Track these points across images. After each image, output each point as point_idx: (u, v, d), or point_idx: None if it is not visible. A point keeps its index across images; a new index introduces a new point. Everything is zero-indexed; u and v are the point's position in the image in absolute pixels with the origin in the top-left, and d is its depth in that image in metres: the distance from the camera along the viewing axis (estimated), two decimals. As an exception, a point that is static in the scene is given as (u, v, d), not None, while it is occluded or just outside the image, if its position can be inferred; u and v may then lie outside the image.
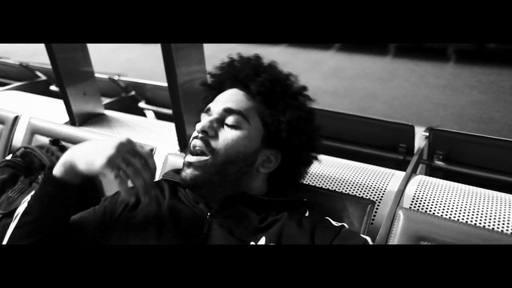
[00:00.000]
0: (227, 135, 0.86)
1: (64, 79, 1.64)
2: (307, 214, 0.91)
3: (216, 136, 0.86)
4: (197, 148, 0.86)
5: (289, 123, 0.88)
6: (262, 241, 0.79)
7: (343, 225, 0.85)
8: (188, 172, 0.86)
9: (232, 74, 0.94)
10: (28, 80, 2.63)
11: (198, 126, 0.86)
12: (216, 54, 0.98)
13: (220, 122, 0.88)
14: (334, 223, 0.85)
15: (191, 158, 0.86)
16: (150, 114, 2.49)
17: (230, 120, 0.87)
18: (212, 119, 0.87)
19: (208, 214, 0.85)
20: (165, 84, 1.40)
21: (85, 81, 1.74)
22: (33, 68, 2.68)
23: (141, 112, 2.51)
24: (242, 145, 0.86)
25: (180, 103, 1.40)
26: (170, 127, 1.68)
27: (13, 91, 2.29)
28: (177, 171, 0.99)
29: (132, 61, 5.79)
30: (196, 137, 0.87)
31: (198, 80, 1.44)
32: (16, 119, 1.59)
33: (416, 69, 5.27)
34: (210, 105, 0.91)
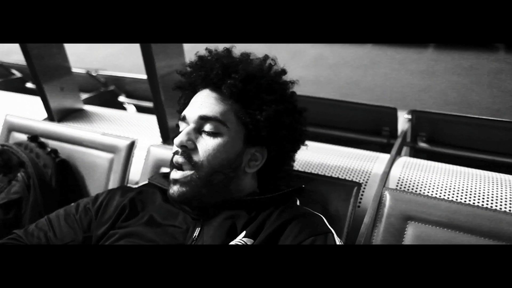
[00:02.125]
0: (207, 145, 0.83)
1: (40, 75, 1.60)
2: (298, 203, 0.90)
3: (196, 148, 0.83)
4: (179, 164, 0.83)
5: (268, 120, 0.84)
6: (241, 235, 0.79)
7: (329, 231, 0.79)
8: (175, 189, 0.83)
9: (203, 74, 0.88)
10: (2, 78, 2.56)
11: (177, 141, 0.83)
12: (197, 46, 0.95)
13: (197, 130, 0.84)
14: (326, 223, 0.81)
15: (175, 175, 0.84)
16: (130, 108, 2.45)
17: (207, 127, 0.83)
18: (189, 130, 0.84)
19: (201, 220, 0.84)
20: (145, 77, 1.38)
21: (62, 76, 1.70)
22: (7, 65, 2.60)
23: (121, 107, 2.46)
24: (224, 151, 0.83)
25: (161, 95, 1.38)
26: (151, 119, 1.66)
27: (-13, 90, 2.23)
28: (165, 176, 0.96)
29: (111, 57, 5.70)
30: (177, 153, 0.84)
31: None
32: (-9, 117, 1.54)
33: (396, 55, 5.31)
34: (185, 112, 0.87)
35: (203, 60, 0.91)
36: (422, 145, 1.60)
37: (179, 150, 0.84)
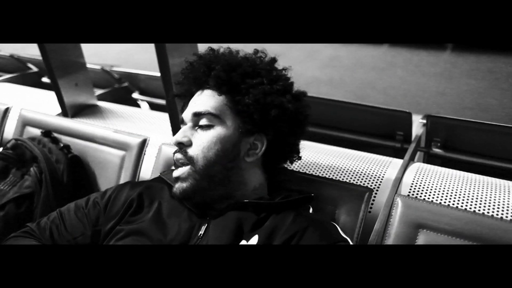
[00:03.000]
0: (201, 139, 0.86)
1: (56, 70, 1.61)
2: (310, 211, 0.89)
3: (191, 144, 0.86)
4: (178, 160, 0.87)
5: (257, 102, 0.85)
6: (254, 238, 0.78)
7: (345, 239, 0.79)
8: (177, 186, 0.87)
9: (193, 77, 0.93)
10: (19, 72, 2.59)
11: (173, 139, 0.87)
12: (211, 45, 0.96)
13: (193, 127, 0.88)
14: (341, 232, 0.81)
15: (175, 173, 0.87)
16: (144, 105, 2.46)
17: (201, 122, 0.87)
18: (185, 128, 0.88)
19: (209, 218, 0.85)
20: (159, 74, 1.38)
21: (77, 72, 1.71)
22: (24, 59, 2.64)
23: (135, 103, 2.47)
24: (218, 142, 0.85)
25: (173, 92, 1.37)
26: (164, 117, 1.66)
27: (4, 83, 2.26)
28: None
29: (125, 53, 5.74)
30: (175, 151, 0.88)
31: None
32: (6, 111, 1.56)
33: (412, 58, 5.25)
34: (183, 114, 0.91)
35: (193, 64, 0.94)
36: (437, 150, 1.57)
37: (177, 148, 0.88)
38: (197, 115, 0.87)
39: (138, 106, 2.47)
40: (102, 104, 1.83)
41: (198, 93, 0.92)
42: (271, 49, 0.98)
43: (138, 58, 5.34)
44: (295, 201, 0.86)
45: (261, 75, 0.88)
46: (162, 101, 2.34)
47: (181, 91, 0.97)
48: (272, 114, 0.86)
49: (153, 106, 2.41)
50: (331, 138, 1.78)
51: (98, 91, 2.20)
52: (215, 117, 0.86)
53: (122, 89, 2.44)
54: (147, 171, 1.26)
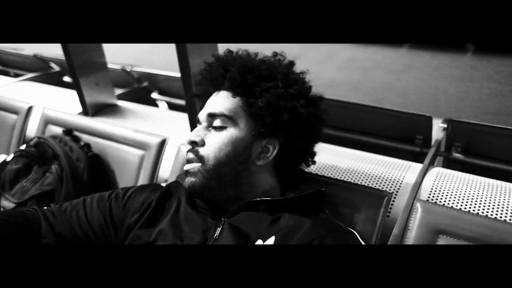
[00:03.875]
0: (213, 139, 0.87)
1: (77, 69, 1.64)
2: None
3: (204, 144, 0.87)
4: (190, 160, 0.88)
5: (269, 105, 0.86)
6: (271, 240, 0.78)
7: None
8: (186, 180, 0.88)
9: (210, 78, 0.94)
10: (42, 71, 2.64)
11: (186, 138, 0.89)
12: (231, 45, 0.97)
13: (207, 128, 0.89)
14: (361, 241, 0.82)
15: (186, 167, 0.89)
16: (163, 105, 2.49)
17: (215, 123, 0.88)
18: (199, 128, 0.89)
19: (223, 219, 0.85)
20: (178, 75, 1.39)
21: (98, 71, 1.74)
22: (47, 59, 2.69)
23: (154, 103, 2.50)
24: (230, 144, 0.86)
25: (192, 93, 1.39)
26: (183, 117, 1.67)
27: (27, 82, 2.30)
28: None
29: (146, 52, 5.80)
30: (188, 150, 0.90)
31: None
32: (30, 109, 1.60)
33: (432, 60, 5.17)
34: (199, 114, 0.92)
35: (211, 65, 0.95)
36: (457, 155, 1.55)
37: (190, 147, 0.90)
38: (212, 116, 0.88)
39: (157, 106, 2.50)
40: (121, 103, 1.85)
41: (215, 94, 0.93)
42: (289, 50, 0.98)
43: (152, 59, 5.39)
44: (305, 197, 0.87)
45: (276, 79, 0.89)
46: (181, 101, 2.35)
47: (199, 92, 0.99)
48: (284, 118, 0.86)
49: (172, 106, 2.43)
50: (349, 141, 1.77)
51: (118, 91, 2.23)
52: (228, 119, 0.87)
53: (141, 89, 2.47)
54: (166, 171, 1.28)
